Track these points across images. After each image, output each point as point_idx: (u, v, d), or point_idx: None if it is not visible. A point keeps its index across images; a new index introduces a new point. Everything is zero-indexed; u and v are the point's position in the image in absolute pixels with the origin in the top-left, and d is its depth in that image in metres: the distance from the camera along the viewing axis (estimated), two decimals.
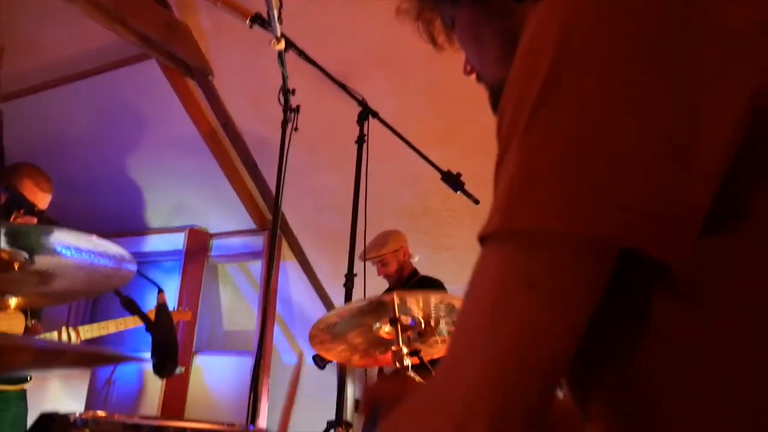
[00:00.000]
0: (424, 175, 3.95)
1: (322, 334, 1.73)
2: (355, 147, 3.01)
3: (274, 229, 2.86)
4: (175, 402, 4.40)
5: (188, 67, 3.94)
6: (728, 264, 0.52)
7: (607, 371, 0.59)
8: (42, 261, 1.28)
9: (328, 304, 4.85)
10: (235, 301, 5.48)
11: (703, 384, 0.53)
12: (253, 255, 4.61)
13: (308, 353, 5.27)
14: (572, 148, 0.50)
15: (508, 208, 0.53)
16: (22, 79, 4.48)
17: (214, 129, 4.24)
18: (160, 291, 1.46)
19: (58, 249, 1.27)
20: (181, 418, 4.39)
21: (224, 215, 4.66)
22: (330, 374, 3.87)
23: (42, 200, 2.58)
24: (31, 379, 2.59)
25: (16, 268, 1.22)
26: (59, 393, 3.79)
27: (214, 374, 4.46)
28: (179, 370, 4.46)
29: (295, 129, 2.35)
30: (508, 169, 0.53)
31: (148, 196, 4.76)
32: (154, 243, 4.84)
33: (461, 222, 4.17)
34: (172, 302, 4.58)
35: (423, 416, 0.55)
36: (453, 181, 2.93)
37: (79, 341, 2.63)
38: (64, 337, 2.59)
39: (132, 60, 4.01)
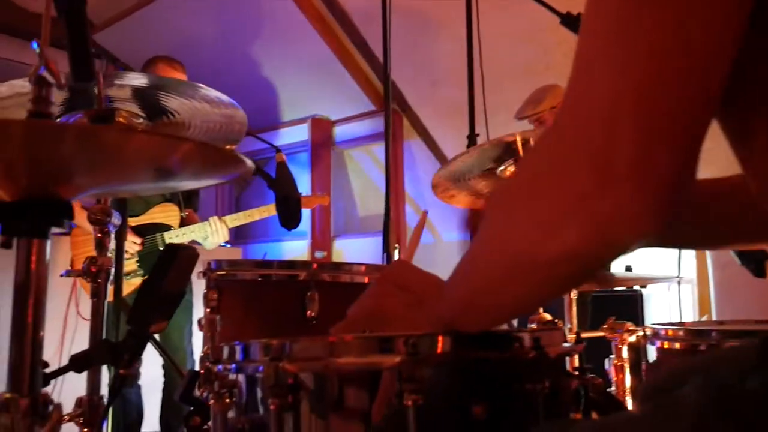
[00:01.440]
0: (542, 26, 3.68)
1: (445, 181, 1.68)
2: (463, 4, 2.83)
3: (386, 104, 2.81)
4: None
5: None
6: None
7: None
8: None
9: None
10: (365, 185, 5.57)
11: None
12: (376, 137, 4.61)
13: (444, 234, 5.30)
14: None
15: None
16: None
17: (321, 13, 4.16)
18: (278, 151, 1.47)
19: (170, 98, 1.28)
20: None
21: (343, 100, 4.65)
22: None
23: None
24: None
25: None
26: None
27: (355, 256, 4.62)
28: (320, 254, 4.68)
29: None
30: None
31: (270, 91, 4.84)
32: (280, 137, 4.97)
33: None
34: (304, 192, 4.74)
35: (565, 131, 0.52)
36: (575, 23, 2.69)
37: (226, 229, 2.76)
38: (213, 227, 2.72)
39: None
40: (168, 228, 2.72)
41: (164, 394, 2.75)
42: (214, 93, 1.27)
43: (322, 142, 4.76)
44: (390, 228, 4.25)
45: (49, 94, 0.66)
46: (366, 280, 1.17)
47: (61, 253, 3.10)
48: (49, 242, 0.69)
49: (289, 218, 1.32)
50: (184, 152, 0.68)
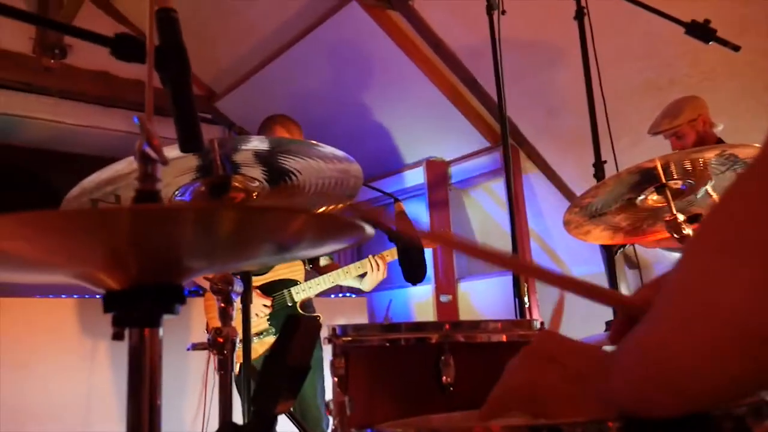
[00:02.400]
0: (663, 38, 3.45)
1: (579, 217, 1.53)
2: (575, 28, 2.69)
3: (504, 139, 2.70)
4: None
5: None
6: None
7: None
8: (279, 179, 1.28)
9: None
10: (486, 223, 5.43)
11: None
12: (493, 174, 4.48)
13: (573, 268, 5.04)
14: None
15: None
16: (245, 60, 4.83)
17: (426, 55, 4.15)
18: (396, 200, 1.40)
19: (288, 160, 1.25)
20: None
21: (456, 139, 4.58)
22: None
23: None
24: (320, 318, 2.75)
25: (255, 197, 1.24)
26: None
27: (481, 297, 4.47)
28: (446, 298, 4.56)
29: (503, 12, 2.12)
30: None
31: (384, 137, 4.86)
32: (396, 182, 4.96)
33: (719, 84, 3.57)
34: None
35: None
36: (701, 31, 2.48)
37: (384, 266, 2.70)
38: (373, 264, 2.65)
39: (335, 8, 4.07)
40: (295, 283, 2.72)
41: None
42: (328, 149, 1.23)
43: (438, 183, 4.70)
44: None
45: (155, 171, 0.62)
46: (504, 338, 1.05)
47: (195, 314, 3.19)
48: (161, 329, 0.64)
49: (413, 272, 1.24)
50: (301, 224, 0.62)
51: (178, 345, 3.24)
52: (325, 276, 2.70)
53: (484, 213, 5.30)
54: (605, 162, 2.57)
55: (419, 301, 4.61)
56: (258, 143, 1.31)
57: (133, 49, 0.73)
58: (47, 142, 5.26)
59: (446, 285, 4.49)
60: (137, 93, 5.04)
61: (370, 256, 2.67)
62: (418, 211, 5.05)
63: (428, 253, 4.61)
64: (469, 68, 4.12)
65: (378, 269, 2.63)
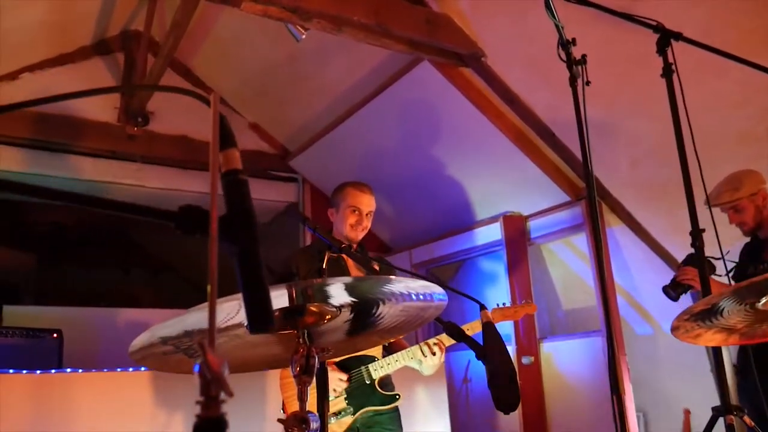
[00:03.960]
0: (756, 87, 3.23)
1: (689, 323, 1.38)
2: (660, 82, 2.53)
3: (590, 195, 2.55)
4: (532, 393, 4.30)
5: (459, 56, 3.82)
6: None
7: None
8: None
9: (671, 261, 4.29)
10: (567, 278, 5.21)
11: None
12: (574, 228, 4.29)
13: (664, 324, 4.75)
14: None
15: None
16: (319, 119, 4.88)
17: (500, 110, 4.05)
18: (482, 307, 1.29)
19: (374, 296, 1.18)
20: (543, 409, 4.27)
21: (534, 194, 4.43)
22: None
23: (362, 200, 2.74)
24: (399, 397, 2.65)
25: (326, 321, 1.17)
26: (425, 408, 3.90)
27: (565, 359, 4.25)
28: (528, 360, 4.35)
29: (587, 83, 2.00)
30: None
31: (458, 193, 4.77)
32: (471, 238, 4.84)
33: None
34: (503, 294, 4.50)
35: None
36: None
37: (442, 350, 2.61)
38: (428, 349, 2.57)
39: (407, 68, 4.05)
40: (372, 359, 2.62)
41: None
42: (416, 283, 1.13)
43: (516, 238, 4.54)
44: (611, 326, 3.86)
45: (218, 393, 0.54)
46: None
47: (271, 390, 3.15)
48: None
49: (504, 401, 1.12)
50: None
51: (253, 418, 3.20)
52: (404, 352, 2.59)
53: (565, 267, 5.09)
54: (704, 231, 2.38)
55: None
56: (348, 298, 1.23)
57: (198, 221, 0.66)
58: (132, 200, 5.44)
59: (528, 346, 4.29)
60: None
61: (426, 342, 2.58)
62: (496, 268, 4.89)
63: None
64: (546, 122, 3.99)
65: (433, 354, 2.54)
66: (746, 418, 2.12)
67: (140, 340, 1.20)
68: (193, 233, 0.65)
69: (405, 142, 4.62)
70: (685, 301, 3.76)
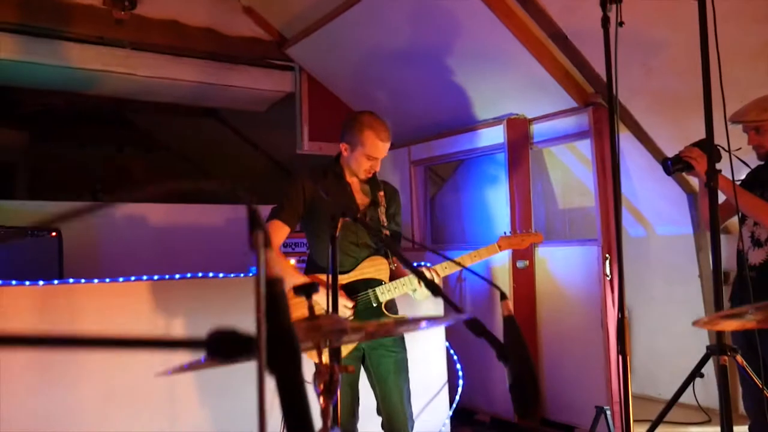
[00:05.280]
0: None
1: (714, 321, 1.37)
2: None
3: (610, 102, 2.47)
4: (525, 296, 4.41)
5: None
6: None
7: None
8: None
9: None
10: (567, 181, 5.19)
11: None
12: (579, 135, 4.20)
13: (658, 228, 4.80)
14: None
15: None
16: (319, 6, 4.59)
17: (512, 9, 3.82)
18: (503, 298, 1.26)
19: None
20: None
21: (540, 97, 4.29)
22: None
23: (381, 150, 2.63)
24: (405, 319, 2.70)
25: None
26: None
27: (560, 265, 4.31)
28: (522, 264, 4.42)
29: (620, 24, 1.85)
30: None
31: (461, 93, 4.61)
32: (474, 139, 4.74)
33: None
34: (502, 197, 4.48)
35: None
36: None
37: (438, 279, 2.65)
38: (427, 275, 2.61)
39: None
40: (380, 283, 2.65)
41: None
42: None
43: (519, 142, 4.45)
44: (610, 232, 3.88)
45: None
46: None
47: None
48: None
49: (525, 407, 1.11)
50: None
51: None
52: (405, 279, 2.62)
53: (566, 169, 5.05)
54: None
55: (496, 266, 4.50)
56: None
57: (232, 347, 0.59)
58: (128, 93, 5.29)
59: (523, 250, 4.32)
60: (207, 42, 4.92)
61: (421, 269, 2.62)
62: (496, 170, 4.84)
63: (506, 212, 4.44)
64: (559, 24, 3.78)
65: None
66: (739, 358, 2.19)
67: None
68: (231, 360, 0.59)
69: (410, 38, 4.38)
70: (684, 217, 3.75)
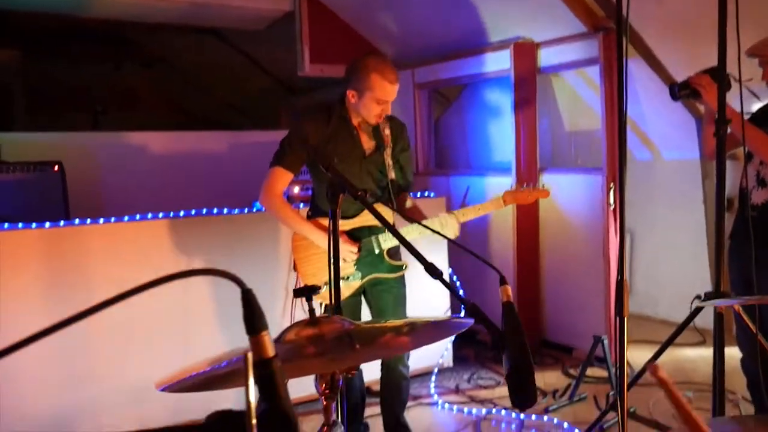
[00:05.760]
0: None
1: None
2: None
3: (618, 24, 2.39)
4: (528, 223, 4.43)
5: None
6: None
7: None
8: None
9: None
10: (574, 104, 5.10)
11: None
12: (588, 61, 4.09)
13: (664, 152, 4.73)
14: None
15: None
16: None
17: None
18: (503, 282, 1.26)
19: None
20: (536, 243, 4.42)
21: (549, 21, 4.14)
22: None
23: (390, 92, 2.55)
24: (406, 267, 2.75)
25: None
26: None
27: (564, 193, 4.29)
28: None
29: None
30: None
31: (467, 14, 4.44)
32: (480, 63, 4.62)
33: None
34: (507, 125, 4.42)
35: None
36: None
37: (456, 225, 2.66)
38: (443, 221, 2.63)
39: None
40: (382, 230, 2.66)
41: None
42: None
43: (526, 69, 4.34)
44: (615, 161, 3.85)
45: None
46: None
47: (283, 237, 3.22)
48: None
49: (521, 397, 1.14)
50: None
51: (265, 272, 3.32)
52: (414, 225, 2.60)
53: (573, 93, 4.94)
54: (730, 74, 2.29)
55: (498, 192, 4.49)
56: None
57: (230, 427, 0.60)
58: (123, 14, 5.14)
59: (528, 175, 4.31)
60: None
61: (441, 215, 2.65)
62: (502, 97, 4.75)
63: (511, 139, 4.38)
64: None
65: (446, 227, 2.62)
66: (736, 306, 2.23)
67: None
68: None
69: None
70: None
